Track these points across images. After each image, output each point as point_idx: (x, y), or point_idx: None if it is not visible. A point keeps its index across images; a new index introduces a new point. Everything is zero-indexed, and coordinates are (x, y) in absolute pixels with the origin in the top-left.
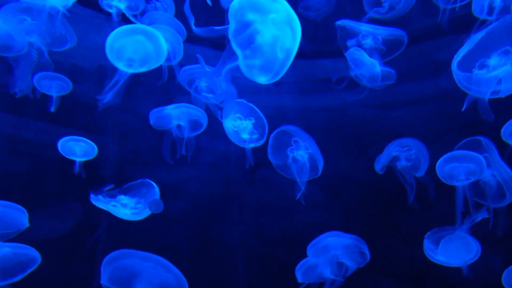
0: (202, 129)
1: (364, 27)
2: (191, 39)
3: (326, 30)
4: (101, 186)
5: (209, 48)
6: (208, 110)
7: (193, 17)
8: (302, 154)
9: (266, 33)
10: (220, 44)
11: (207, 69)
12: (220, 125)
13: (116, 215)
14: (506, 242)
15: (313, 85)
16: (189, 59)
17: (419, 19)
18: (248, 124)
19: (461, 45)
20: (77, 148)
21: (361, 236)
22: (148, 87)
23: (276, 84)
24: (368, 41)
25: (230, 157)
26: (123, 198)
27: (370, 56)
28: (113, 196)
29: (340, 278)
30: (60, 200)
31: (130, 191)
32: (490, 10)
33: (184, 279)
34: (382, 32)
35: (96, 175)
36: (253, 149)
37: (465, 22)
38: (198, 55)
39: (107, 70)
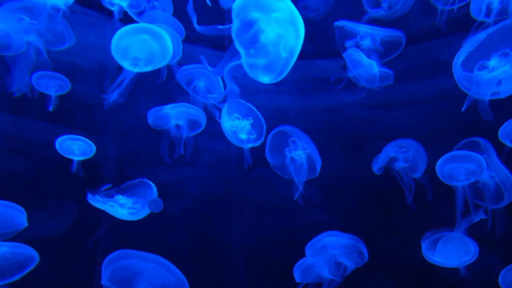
0: (201, 129)
1: (362, 28)
2: (190, 39)
3: (325, 31)
4: (99, 186)
5: (208, 48)
6: (206, 110)
7: (195, 16)
8: (300, 154)
9: (269, 32)
10: (219, 44)
11: (210, 69)
12: (219, 125)
13: (114, 215)
14: (504, 243)
15: (312, 85)
16: (188, 59)
17: (418, 19)
18: (246, 124)
19: (460, 46)
20: (75, 147)
21: (360, 236)
22: (148, 87)
23: (275, 84)
24: (366, 42)
25: (230, 157)
26: (121, 198)
27: (368, 57)
28: (110, 196)
29: (338, 278)
30: (59, 200)
31: (127, 190)
32: (488, 12)
33: (184, 279)
34: (380, 33)
35: (96, 175)
36: (253, 149)
37: (463, 23)
38: (201, 56)
39: (107, 70)
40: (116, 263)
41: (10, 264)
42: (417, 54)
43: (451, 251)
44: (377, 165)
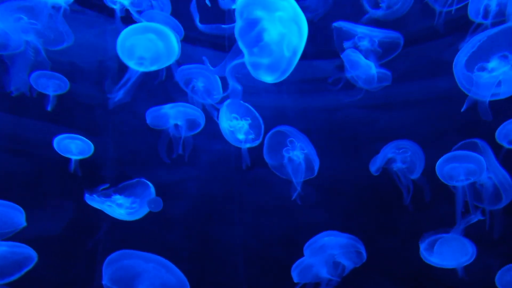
0: (200, 129)
1: (360, 29)
2: (189, 39)
3: (324, 31)
4: (98, 186)
5: (208, 49)
6: (205, 110)
7: (198, 15)
8: (298, 154)
9: (273, 31)
10: (219, 45)
11: (211, 68)
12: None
13: (111, 215)
14: (503, 244)
15: (310, 86)
16: (187, 59)
17: (417, 20)
18: (244, 124)
19: (459, 47)
20: (73, 146)
21: (359, 236)
22: (147, 87)
23: (274, 84)
24: (365, 43)
25: (230, 158)
26: (119, 198)
27: (366, 58)
28: (108, 196)
29: (336, 278)
30: (58, 200)
31: (125, 190)
32: (486, 14)
33: (185, 279)
34: (379, 34)
35: (96, 175)
36: (253, 149)
37: (462, 25)
38: (203, 57)
39: (107, 70)
40: (117, 263)
41: (8, 264)
42: (415, 55)
43: (448, 252)
44: (375, 165)
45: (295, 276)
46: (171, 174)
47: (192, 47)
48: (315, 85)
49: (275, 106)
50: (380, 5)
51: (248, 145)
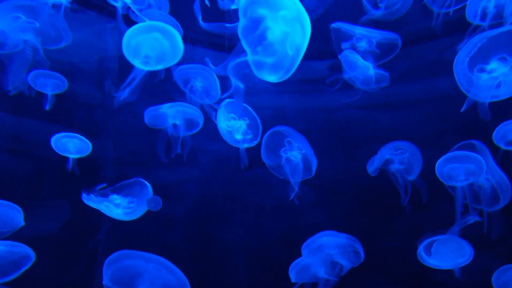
0: (198, 128)
1: (358, 30)
2: (189, 39)
3: (323, 31)
4: (95, 186)
5: (207, 49)
6: (203, 110)
7: (200, 14)
8: (296, 154)
9: (276, 30)
10: (218, 45)
11: (213, 68)
12: None
13: (109, 215)
14: (501, 245)
15: (309, 86)
16: (186, 59)
17: (416, 21)
18: (242, 124)
19: (457, 48)
20: (71, 145)
21: (359, 236)
22: (146, 87)
23: (273, 84)
24: (363, 44)
25: (230, 158)
26: (116, 198)
27: (364, 59)
28: (105, 196)
29: (334, 277)
30: (58, 200)
31: (123, 190)
32: (483, 16)
33: (186, 279)
34: (377, 35)
35: (95, 176)
36: (253, 149)
37: (460, 26)
38: (206, 59)
39: (107, 71)
40: (118, 263)
41: (6, 263)
42: (414, 55)
43: (446, 253)
44: (372, 166)
45: (292, 276)
46: (171, 175)
47: (192, 47)
48: (313, 85)
49: (273, 106)
50: (379, 5)
51: (246, 145)
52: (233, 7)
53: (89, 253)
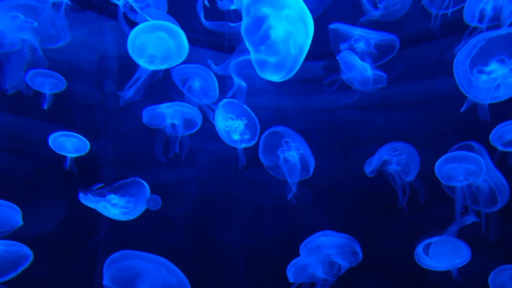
0: (197, 128)
1: (357, 31)
2: (188, 40)
3: (322, 32)
4: (92, 185)
5: (207, 49)
6: (201, 110)
7: (203, 12)
8: (293, 154)
9: (280, 29)
10: (218, 45)
11: (214, 67)
12: None
13: (106, 215)
14: (498, 246)
15: (309, 86)
16: (186, 59)
17: (415, 22)
18: (240, 124)
19: (456, 50)
20: (69, 144)
21: (358, 236)
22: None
23: (272, 84)
24: (361, 45)
25: (229, 158)
26: (113, 198)
27: (362, 60)
28: (103, 195)
29: (332, 277)
30: (57, 200)
31: (120, 190)
32: (481, 18)
33: (186, 280)
34: (375, 36)
35: (95, 176)
36: (252, 149)
37: (459, 27)
38: (208, 60)
39: (106, 71)
40: (118, 263)
41: (4, 262)
42: (413, 56)
43: (443, 254)
44: (370, 167)
45: (290, 276)
46: (170, 175)
47: (192, 47)
48: (312, 86)
49: (272, 106)
50: (378, 5)
51: (244, 145)
52: (232, 7)
53: (89, 253)
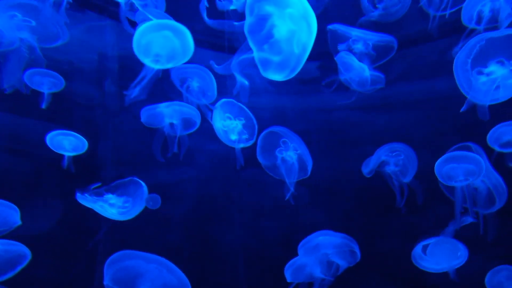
0: (195, 128)
1: (355, 32)
2: None
3: (320, 32)
4: (90, 185)
5: (207, 49)
6: (200, 110)
7: (205, 11)
8: (291, 155)
9: (283, 28)
10: (217, 45)
11: (216, 67)
12: None
13: (103, 215)
14: (496, 247)
15: (307, 87)
16: None
17: (415, 22)
18: (237, 124)
19: (455, 51)
20: (66, 143)
21: (358, 236)
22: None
23: (271, 84)
24: (359, 46)
25: (228, 158)
26: (111, 197)
27: (360, 61)
28: (100, 195)
29: (330, 277)
30: (56, 199)
31: (118, 189)
32: (479, 20)
33: (187, 280)
34: (373, 37)
35: (95, 175)
36: (252, 149)
37: (457, 28)
38: (211, 62)
39: (106, 71)
40: (119, 263)
41: (2, 262)
42: (412, 57)
43: (441, 255)
44: (368, 168)
45: (288, 275)
46: (170, 175)
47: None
48: (312, 86)
49: (270, 106)
50: (377, 6)
51: (242, 145)
52: (232, 7)
53: (89, 253)
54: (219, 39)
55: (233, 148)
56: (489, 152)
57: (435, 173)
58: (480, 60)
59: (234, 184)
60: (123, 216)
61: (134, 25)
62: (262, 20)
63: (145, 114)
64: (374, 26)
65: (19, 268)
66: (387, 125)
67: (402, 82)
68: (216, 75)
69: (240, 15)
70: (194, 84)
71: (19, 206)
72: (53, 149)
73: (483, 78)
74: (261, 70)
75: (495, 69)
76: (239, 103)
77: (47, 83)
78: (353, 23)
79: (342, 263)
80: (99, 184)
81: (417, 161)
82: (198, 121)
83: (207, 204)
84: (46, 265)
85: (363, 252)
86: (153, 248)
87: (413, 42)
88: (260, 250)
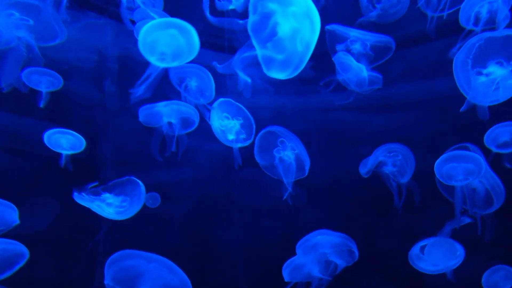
0: (194, 127)
1: (353, 33)
2: None
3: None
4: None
5: (207, 49)
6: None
7: (208, 8)
8: (289, 154)
9: (286, 26)
10: (217, 45)
11: (219, 66)
12: None
13: (101, 214)
14: (493, 247)
15: (309, 87)
16: None
17: (413, 23)
18: (235, 123)
19: (454, 51)
20: (64, 141)
21: (357, 236)
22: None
23: (271, 84)
24: (357, 47)
25: (228, 157)
26: (108, 197)
27: (358, 61)
28: (97, 194)
29: (328, 276)
30: (56, 199)
31: (115, 189)
32: (476, 21)
33: (188, 280)
34: (371, 38)
35: (94, 175)
36: (250, 149)
37: (456, 28)
38: (214, 62)
39: (106, 71)
40: (119, 263)
41: (0, 261)
42: (412, 57)
43: (438, 255)
44: (365, 168)
45: (286, 275)
46: (169, 175)
47: None
48: (311, 86)
49: (269, 106)
50: (375, 5)
51: (239, 145)
52: (231, 7)
53: (89, 253)
54: (219, 39)
55: (232, 148)
56: (486, 152)
57: (435, 173)
58: (479, 60)
59: (233, 184)
60: (120, 216)
61: (133, 23)
62: (266, 18)
63: (143, 113)
64: (373, 27)
65: (17, 267)
66: (386, 125)
67: (401, 82)
68: (215, 75)
69: (239, 15)
70: (192, 83)
71: (18, 205)
72: (51, 148)
73: (482, 79)
74: (264, 69)
75: (494, 70)
76: (237, 103)
77: (45, 82)
78: (352, 23)
79: (340, 263)
80: (96, 183)
81: (416, 162)
82: (196, 120)
83: (206, 204)
84: (46, 265)
85: (362, 252)
86: (152, 248)
87: (412, 42)
88: (260, 250)
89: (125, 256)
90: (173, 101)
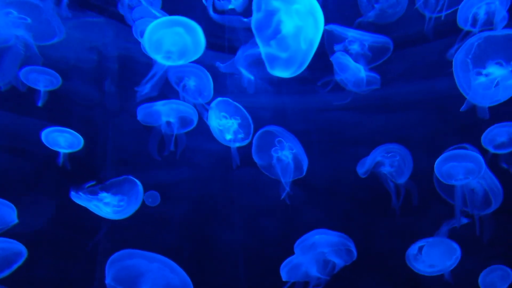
0: (193, 126)
1: (351, 33)
2: None
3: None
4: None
5: (207, 49)
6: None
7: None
8: (286, 154)
9: (290, 24)
10: (217, 45)
11: (221, 65)
12: None
13: (98, 214)
14: (491, 247)
15: (309, 87)
16: None
17: (412, 23)
18: (233, 123)
19: (450, 54)
20: (62, 139)
21: (355, 236)
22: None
23: (270, 84)
24: (355, 47)
25: (227, 157)
26: (106, 196)
27: (356, 62)
28: (95, 193)
29: (326, 276)
30: (55, 198)
31: (112, 188)
32: (474, 22)
33: (189, 280)
34: (369, 38)
35: (94, 175)
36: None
37: (454, 29)
38: (217, 63)
39: (106, 71)
40: (121, 262)
41: None
42: (411, 57)
43: (436, 255)
44: (363, 168)
45: (284, 274)
46: (169, 175)
47: None
48: (311, 86)
49: (270, 106)
50: (374, 5)
51: (237, 145)
52: (230, 6)
53: (89, 253)
54: (219, 39)
55: (230, 148)
56: (483, 153)
57: (435, 172)
58: (479, 60)
59: (232, 184)
60: (118, 215)
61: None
62: (269, 15)
63: (142, 112)
64: (371, 27)
65: (15, 266)
66: (386, 125)
67: (400, 83)
68: (214, 75)
69: (238, 15)
70: (191, 83)
71: (16, 204)
72: (49, 146)
73: (481, 79)
74: (268, 67)
75: (493, 70)
76: (235, 102)
77: (43, 81)
78: (351, 24)
79: (339, 262)
80: (94, 183)
81: (415, 162)
82: (195, 119)
83: (205, 204)
84: (46, 265)
85: (361, 252)
86: (152, 248)
87: (410, 42)
88: (259, 250)
89: (127, 256)
90: (171, 100)
